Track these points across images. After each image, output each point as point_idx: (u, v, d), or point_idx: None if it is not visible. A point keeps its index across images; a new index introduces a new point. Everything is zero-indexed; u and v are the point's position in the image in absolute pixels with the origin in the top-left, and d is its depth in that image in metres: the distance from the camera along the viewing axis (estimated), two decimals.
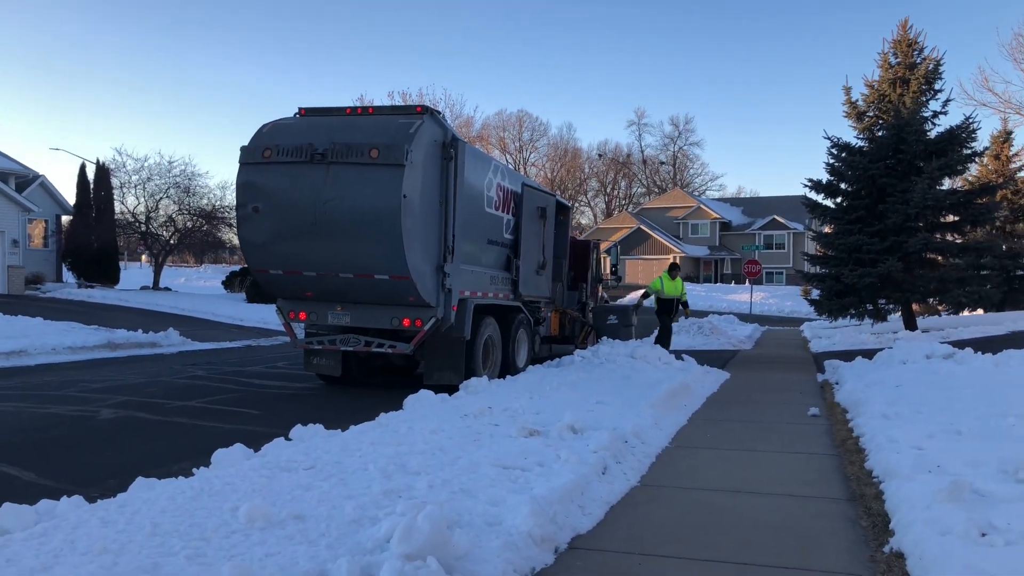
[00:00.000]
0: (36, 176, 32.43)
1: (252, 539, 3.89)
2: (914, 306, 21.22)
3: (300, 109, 10.48)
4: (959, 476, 4.63)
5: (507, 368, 11.32)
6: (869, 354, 12.99)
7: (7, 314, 16.84)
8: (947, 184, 21.29)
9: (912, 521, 4.04)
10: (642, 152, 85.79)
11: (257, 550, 3.75)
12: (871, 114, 21.41)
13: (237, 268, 37.32)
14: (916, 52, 21.15)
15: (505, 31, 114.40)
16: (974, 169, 26.52)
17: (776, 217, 61.47)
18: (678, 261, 16.00)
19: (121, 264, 36.54)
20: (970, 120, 20.06)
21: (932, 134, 20.46)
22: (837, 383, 10.93)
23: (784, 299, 43.32)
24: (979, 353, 11.83)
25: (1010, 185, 27.04)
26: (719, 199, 74.05)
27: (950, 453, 5.38)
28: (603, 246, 18.18)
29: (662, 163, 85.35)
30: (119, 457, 6.64)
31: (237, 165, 9.87)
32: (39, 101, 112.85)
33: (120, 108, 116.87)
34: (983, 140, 29.13)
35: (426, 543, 3.59)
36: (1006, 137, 28.48)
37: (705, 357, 14.13)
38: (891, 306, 21.27)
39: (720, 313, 26.33)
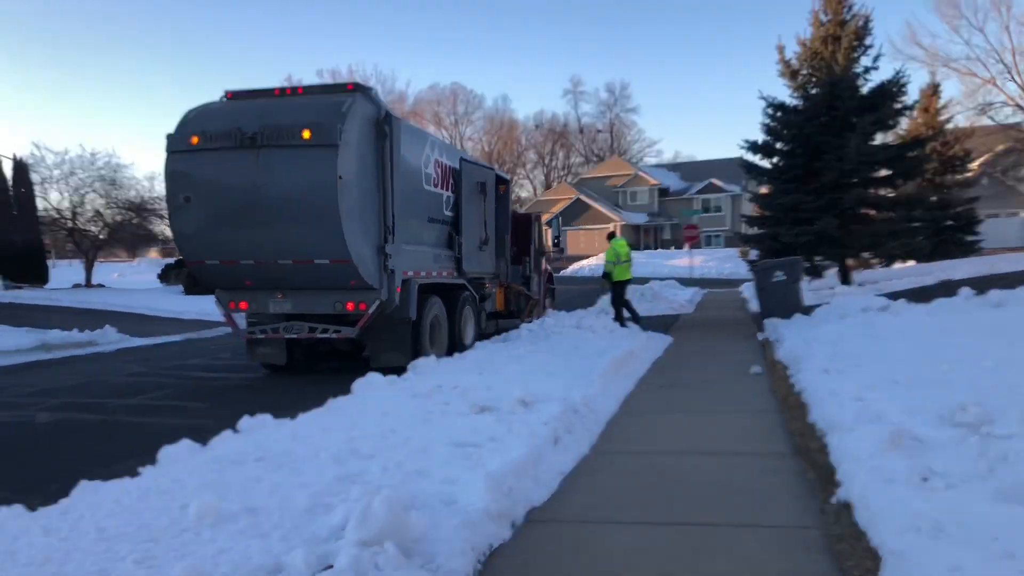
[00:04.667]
0: None
1: (203, 536, 3.81)
2: (849, 261, 21.84)
3: (226, 92, 10.14)
4: (899, 424, 4.79)
5: (454, 346, 11.28)
6: (808, 311, 13.33)
7: None
8: (879, 139, 21.84)
9: (856, 471, 4.17)
10: (579, 121, 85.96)
11: (209, 547, 3.68)
12: (805, 72, 21.72)
13: (172, 260, 36.33)
14: (846, 9, 21.48)
15: (434, 2, 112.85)
16: (904, 123, 27.30)
17: (713, 180, 62.35)
18: (614, 229, 16.12)
19: (50, 263, 35.13)
20: (900, 74, 20.55)
21: (864, 90, 20.85)
22: (777, 341, 11.18)
23: (723, 262, 44.03)
24: (912, 304, 12.27)
25: (939, 137, 27.90)
26: (657, 165, 74.69)
27: (889, 402, 5.56)
28: (544, 218, 18.21)
29: (599, 131, 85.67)
30: (60, 461, 6.42)
31: (164, 155, 9.52)
32: None
33: (35, 102, 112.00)
34: (913, 94, 29.95)
35: (383, 528, 3.56)
36: (934, 90, 29.31)
37: (648, 323, 14.33)
38: (827, 263, 21.83)
39: (661, 279, 26.64)
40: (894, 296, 14.02)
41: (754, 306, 19.16)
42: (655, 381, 8.73)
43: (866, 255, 21.92)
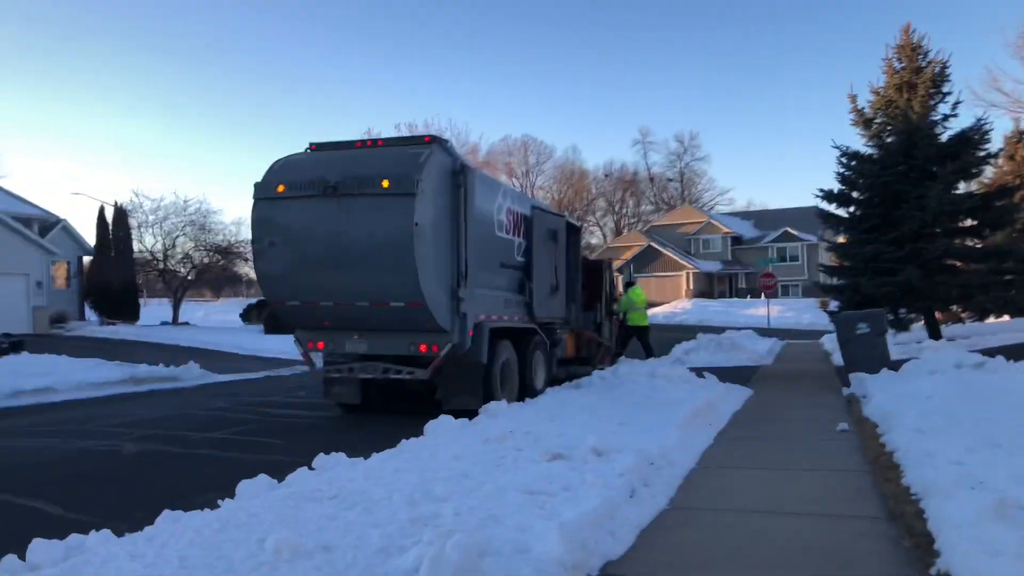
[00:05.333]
0: (58, 220, 33.36)
1: (280, 571, 3.84)
2: (937, 314, 20.95)
3: (311, 144, 10.57)
4: (1004, 492, 4.45)
5: (525, 391, 11.23)
6: (894, 365, 12.80)
7: (33, 352, 17.00)
8: (962, 188, 21.08)
9: (958, 541, 3.89)
10: (648, 170, 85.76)
11: None
12: (879, 121, 21.24)
13: (254, 301, 37.56)
14: (921, 56, 20.99)
15: (506, 57, 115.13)
16: (989, 171, 26.28)
17: (788, 229, 61.11)
18: (633, 279, 19.37)
19: (141, 301, 36.89)
20: (982, 121, 19.87)
21: (943, 137, 20.27)
22: (864, 396, 10.74)
23: (802, 312, 42.90)
24: (1011, 361, 11.61)
25: None
26: (729, 213, 73.68)
27: (992, 467, 5.21)
28: (616, 264, 18.19)
29: (669, 180, 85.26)
30: (144, 490, 6.61)
31: (251, 201, 9.90)
32: (59, 149, 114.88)
33: (137, 152, 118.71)
34: (996, 141, 28.83)
35: (456, 573, 3.53)
36: (1019, 137, 28.15)
37: (726, 374, 13.97)
38: (913, 315, 20.99)
39: (738, 328, 26.05)
40: (989, 352, 13.32)
41: (837, 359, 18.53)
42: (735, 435, 8.47)
43: (955, 308, 20.98)
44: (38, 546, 4.13)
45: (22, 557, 4.08)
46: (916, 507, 4.98)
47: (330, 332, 10.14)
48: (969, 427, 6.89)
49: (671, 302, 54.41)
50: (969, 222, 20.37)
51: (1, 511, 5.95)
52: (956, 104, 20.58)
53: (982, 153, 20.14)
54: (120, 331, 28.62)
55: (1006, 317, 22.97)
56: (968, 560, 3.66)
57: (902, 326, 20.89)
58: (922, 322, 21.14)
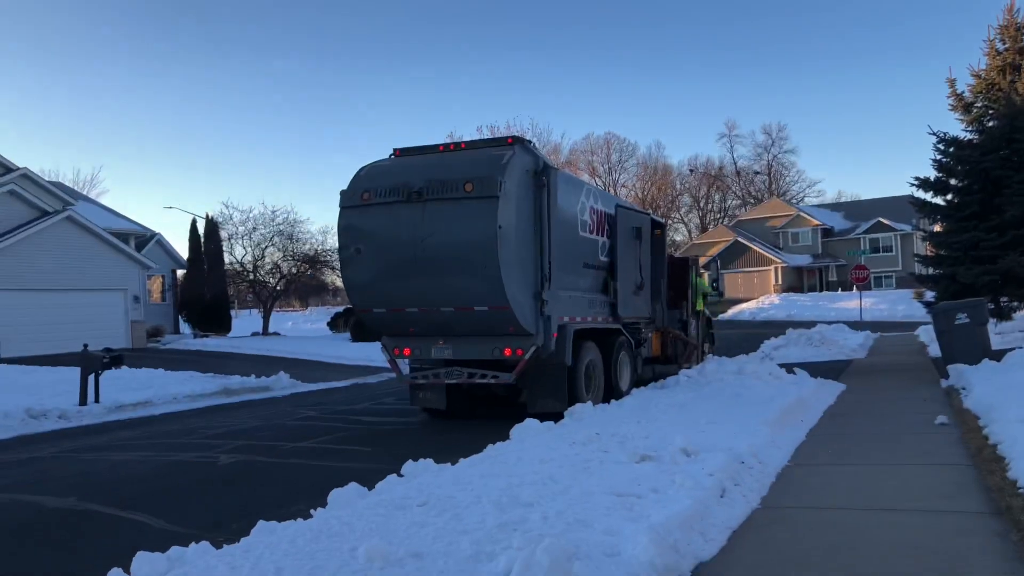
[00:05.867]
0: (153, 235, 34.40)
1: None
2: None
3: (395, 150, 10.69)
4: None
5: (610, 392, 11.14)
6: (996, 356, 12.18)
7: (132, 367, 17.79)
8: None
9: None
10: (735, 164, 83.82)
11: None
12: (979, 105, 20.31)
13: (341, 309, 38.43)
14: None
15: (588, 55, 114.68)
16: None
17: (881, 219, 58.81)
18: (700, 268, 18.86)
19: (232, 312, 38.10)
20: None
21: None
22: (964, 388, 10.27)
23: (895, 303, 41.21)
24: None
25: None
26: (819, 205, 71.37)
27: None
28: (702, 261, 17.87)
29: (756, 173, 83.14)
30: (240, 500, 6.83)
31: (337, 209, 10.12)
32: (150, 165, 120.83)
33: (224, 164, 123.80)
34: None
35: None
36: None
37: (817, 369, 13.55)
38: (1015, 303, 19.94)
39: (828, 322, 25.22)
40: None
41: (934, 351, 17.75)
42: (828, 431, 8.21)
43: None
44: (142, 559, 4.26)
45: (127, 569, 4.22)
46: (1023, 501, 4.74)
47: (416, 338, 10.28)
48: None
49: (759, 297, 53.07)
50: None
51: (106, 524, 6.21)
52: None
53: None
54: (213, 343, 29.73)
55: None
56: None
57: (1004, 315, 19.88)
58: None
